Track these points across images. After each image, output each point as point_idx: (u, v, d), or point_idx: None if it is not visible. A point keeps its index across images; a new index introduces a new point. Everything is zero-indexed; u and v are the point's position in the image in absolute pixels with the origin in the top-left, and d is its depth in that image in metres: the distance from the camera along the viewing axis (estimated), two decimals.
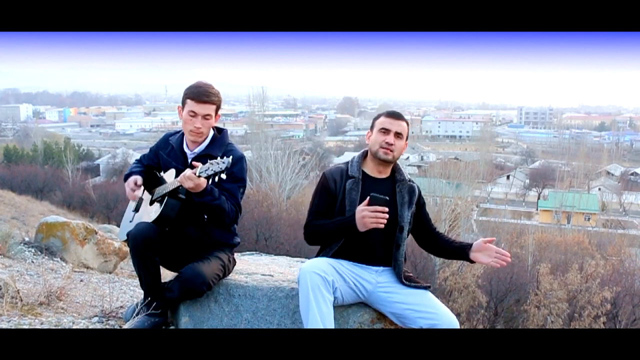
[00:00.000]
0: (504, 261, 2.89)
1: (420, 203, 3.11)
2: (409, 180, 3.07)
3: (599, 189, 52.79)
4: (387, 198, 2.78)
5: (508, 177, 59.89)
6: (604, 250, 23.93)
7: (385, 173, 3.05)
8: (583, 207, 42.60)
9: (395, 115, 3.01)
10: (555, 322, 13.50)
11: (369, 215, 2.75)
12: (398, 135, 2.96)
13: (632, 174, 60.59)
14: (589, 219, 42.30)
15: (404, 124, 3.00)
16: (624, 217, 45.61)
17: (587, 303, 13.60)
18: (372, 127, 3.06)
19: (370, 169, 3.03)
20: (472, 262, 3.00)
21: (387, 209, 2.76)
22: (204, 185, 2.85)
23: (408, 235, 3.07)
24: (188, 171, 2.84)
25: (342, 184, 2.98)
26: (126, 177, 3.27)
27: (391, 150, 2.95)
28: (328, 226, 2.92)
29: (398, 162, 3.11)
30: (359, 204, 2.88)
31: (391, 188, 3.02)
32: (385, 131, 2.96)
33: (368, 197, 2.78)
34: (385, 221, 2.77)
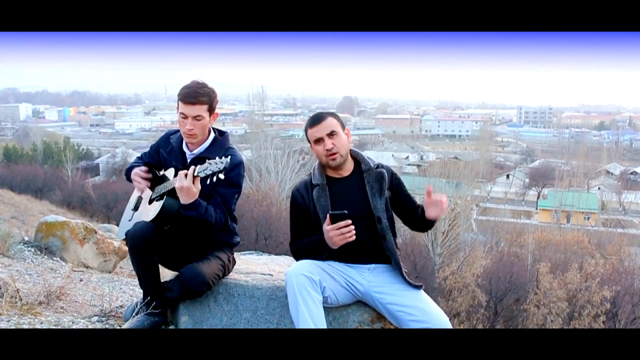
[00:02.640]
0: (441, 203, 2.85)
1: (394, 185, 3.02)
2: (377, 167, 3.00)
3: (599, 188, 52.84)
4: (346, 212, 2.75)
5: (508, 176, 59.98)
6: (604, 249, 23.99)
7: (348, 170, 3.01)
8: (583, 206, 42.65)
9: (316, 122, 2.92)
10: (555, 321, 13.50)
11: (335, 234, 2.75)
12: (331, 134, 2.89)
13: (631, 173, 60.62)
14: (588, 218, 42.35)
15: (329, 120, 2.92)
16: (624, 216, 45.65)
17: (587, 302, 13.60)
18: (308, 141, 3.01)
19: (332, 172, 3.00)
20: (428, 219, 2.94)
21: (350, 222, 2.74)
22: (196, 194, 2.83)
23: (393, 222, 3.00)
24: (183, 172, 2.83)
25: (309, 195, 2.96)
26: (127, 171, 3.26)
27: (335, 152, 2.89)
28: (307, 247, 2.93)
29: (361, 152, 3.09)
30: (331, 209, 2.87)
31: (359, 181, 2.98)
32: (318, 141, 2.91)
33: (328, 216, 2.78)
34: (354, 236, 2.76)
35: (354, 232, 2.75)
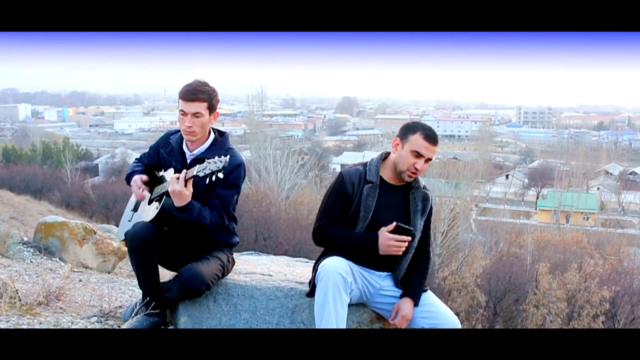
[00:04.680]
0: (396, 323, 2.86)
1: (428, 213, 3.04)
2: (424, 188, 3.01)
3: (598, 189, 52.92)
4: (412, 229, 2.82)
5: (507, 176, 60.02)
6: (603, 249, 23.97)
7: (401, 181, 2.98)
8: (582, 206, 42.71)
9: (433, 140, 2.85)
10: (554, 321, 13.50)
11: (393, 244, 2.78)
12: (428, 160, 2.88)
13: (630, 174, 60.72)
14: (587, 219, 42.39)
15: (436, 147, 2.89)
16: (623, 217, 45.67)
17: (586, 302, 13.61)
18: (403, 137, 2.89)
19: (388, 176, 2.97)
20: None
21: (410, 239, 2.81)
22: (189, 197, 2.85)
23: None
24: (175, 175, 2.86)
25: (359, 188, 2.91)
26: (128, 177, 3.26)
27: (418, 174, 2.90)
28: (347, 240, 2.87)
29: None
30: (373, 211, 2.87)
31: (405, 195, 2.98)
32: (418, 155, 2.84)
33: (394, 223, 2.79)
34: (402, 252, 2.82)
35: (404, 249, 2.82)
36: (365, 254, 2.87)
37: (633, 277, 15.76)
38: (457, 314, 3.02)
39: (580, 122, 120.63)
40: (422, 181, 3.05)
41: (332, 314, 2.63)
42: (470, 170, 31.26)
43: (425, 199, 2.99)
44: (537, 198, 51.04)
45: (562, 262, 17.71)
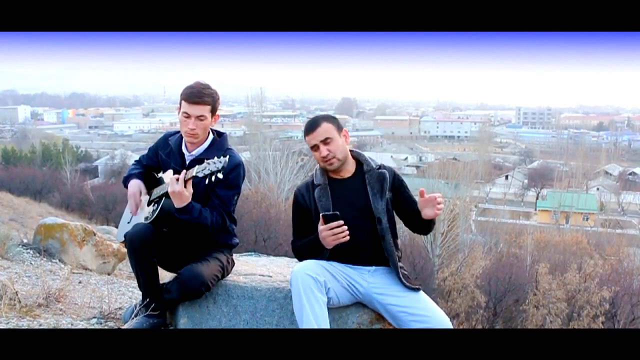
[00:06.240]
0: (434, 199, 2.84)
1: (395, 186, 3.03)
2: (379, 168, 3.02)
3: (598, 189, 52.98)
4: (337, 213, 2.79)
5: (506, 177, 60.10)
6: (603, 250, 23.99)
7: (349, 171, 3.03)
8: (581, 207, 42.76)
9: (310, 130, 2.95)
10: (554, 322, 13.49)
11: (327, 235, 2.78)
12: (325, 141, 2.92)
13: (630, 174, 60.82)
14: (587, 219, 42.40)
15: (323, 126, 2.93)
16: (623, 217, 45.73)
17: (586, 303, 13.60)
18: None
19: (333, 173, 3.02)
20: (426, 220, 2.92)
21: (342, 223, 2.76)
22: (189, 198, 2.86)
23: (394, 223, 3.01)
24: (174, 176, 2.86)
25: (310, 195, 2.99)
26: (125, 180, 3.26)
27: (331, 158, 2.92)
28: (306, 246, 2.95)
29: (363, 152, 3.11)
30: (332, 209, 2.89)
31: (360, 182, 3.00)
32: (314, 148, 2.95)
33: (321, 216, 2.81)
34: (347, 236, 2.78)
35: (347, 232, 2.78)
36: (339, 251, 2.87)
37: (633, 277, 15.76)
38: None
39: (580, 123, 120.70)
40: (376, 162, 3.06)
41: (310, 315, 2.63)
42: (469, 171, 31.33)
43: (382, 178, 2.98)
44: (537, 199, 51.08)
45: (561, 262, 17.69)
